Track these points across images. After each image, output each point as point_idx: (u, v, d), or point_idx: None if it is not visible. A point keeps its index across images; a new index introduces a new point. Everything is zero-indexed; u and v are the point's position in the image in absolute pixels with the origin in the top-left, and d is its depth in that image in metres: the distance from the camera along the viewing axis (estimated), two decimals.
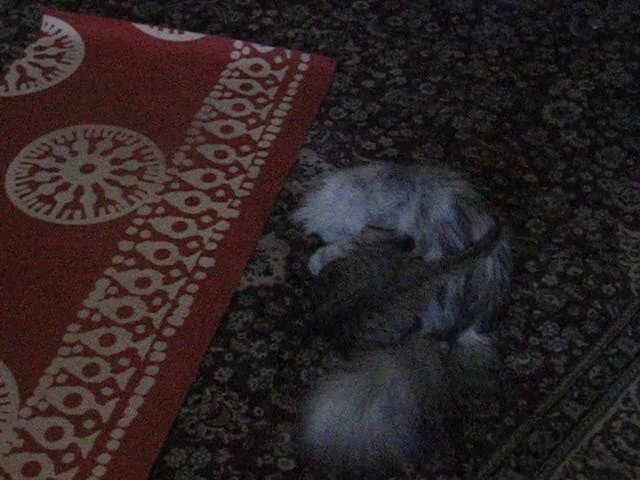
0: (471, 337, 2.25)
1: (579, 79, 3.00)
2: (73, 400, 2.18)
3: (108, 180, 2.64)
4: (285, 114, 2.83)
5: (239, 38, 3.05)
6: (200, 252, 2.48)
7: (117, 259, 2.45)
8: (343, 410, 2.04)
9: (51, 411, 2.16)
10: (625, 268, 2.49)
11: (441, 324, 2.25)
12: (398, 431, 2.04)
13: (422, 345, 2.17)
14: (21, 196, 2.59)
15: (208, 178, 2.65)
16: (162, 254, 2.47)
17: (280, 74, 2.95)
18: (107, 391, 2.20)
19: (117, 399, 2.18)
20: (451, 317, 2.24)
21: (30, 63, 2.96)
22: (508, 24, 3.17)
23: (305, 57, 2.98)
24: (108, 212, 2.56)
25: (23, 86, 2.89)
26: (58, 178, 2.64)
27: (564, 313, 2.39)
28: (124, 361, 2.25)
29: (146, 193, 2.60)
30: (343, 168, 2.60)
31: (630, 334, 2.37)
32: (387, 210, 2.30)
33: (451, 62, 3.04)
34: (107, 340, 2.29)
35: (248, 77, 2.94)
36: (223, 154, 2.72)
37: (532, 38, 3.13)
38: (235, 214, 2.57)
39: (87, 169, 2.66)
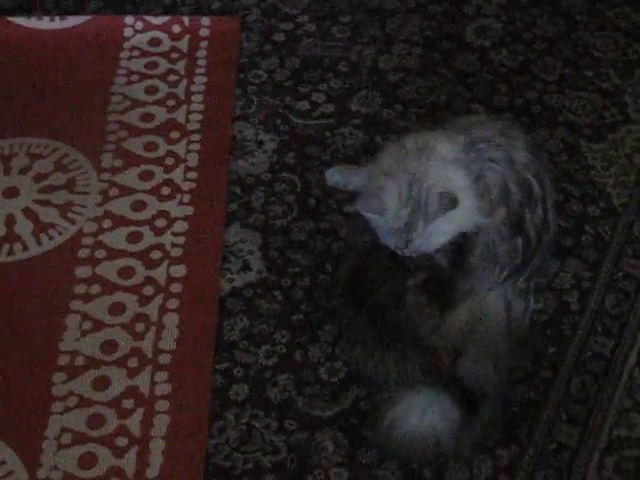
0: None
1: None
2: (88, 460, 1.95)
3: (38, 201, 2.36)
4: (203, 88, 2.60)
5: (125, 12, 2.76)
6: (167, 261, 2.25)
7: (79, 289, 2.20)
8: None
9: (68, 479, 1.92)
10: (602, 184, 2.40)
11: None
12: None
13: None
14: None
15: (146, 176, 2.41)
16: (127, 272, 2.23)
17: (183, 44, 2.70)
18: (122, 441, 1.97)
19: (136, 448, 1.96)
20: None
21: None
22: None
23: (205, 21, 2.74)
24: (51, 237, 2.29)
25: None
26: None
27: (559, 246, 2.28)
28: (128, 403, 2.03)
29: (85, 207, 2.34)
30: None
31: (630, 253, 2.29)
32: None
33: None
34: (101, 383, 2.06)
35: (150, 54, 2.68)
36: (153, 146, 2.47)
37: None
38: (189, 211, 2.34)
39: (10, 193, 2.37)
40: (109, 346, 2.11)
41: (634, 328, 2.16)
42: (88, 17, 2.73)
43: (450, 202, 1.87)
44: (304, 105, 2.57)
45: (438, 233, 1.92)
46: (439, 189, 1.87)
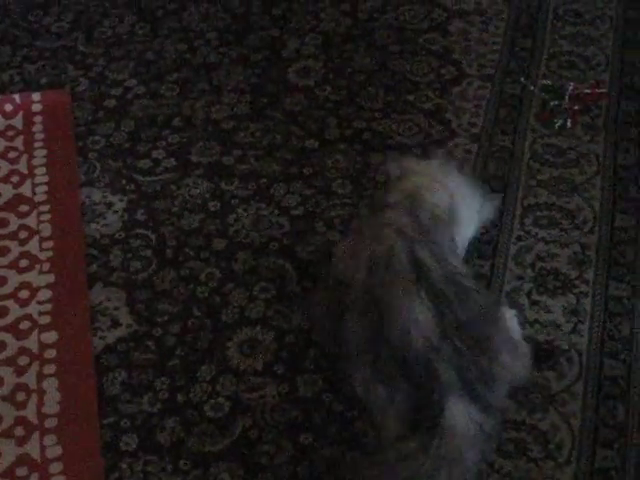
0: None
1: (304, 35, 2.99)
2: None
3: None
4: (45, 160, 2.64)
5: None
6: (37, 330, 2.28)
7: None
8: None
9: None
10: None
11: None
12: None
13: None
14: None
15: (2, 252, 2.44)
16: None
17: (18, 121, 2.74)
18: None
19: None
20: None
21: None
22: (214, 3, 3.10)
23: (36, 96, 2.79)
24: None
25: None
26: None
27: None
28: (22, 470, 2.06)
29: None
30: None
31: None
32: None
33: (177, 55, 2.94)
34: None
35: None
36: (4, 222, 2.50)
37: (240, 10, 3.08)
38: (51, 278, 2.38)
39: None
40: None
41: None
42: None
43: None
44: (146, 163, 2.65)
45: None
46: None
